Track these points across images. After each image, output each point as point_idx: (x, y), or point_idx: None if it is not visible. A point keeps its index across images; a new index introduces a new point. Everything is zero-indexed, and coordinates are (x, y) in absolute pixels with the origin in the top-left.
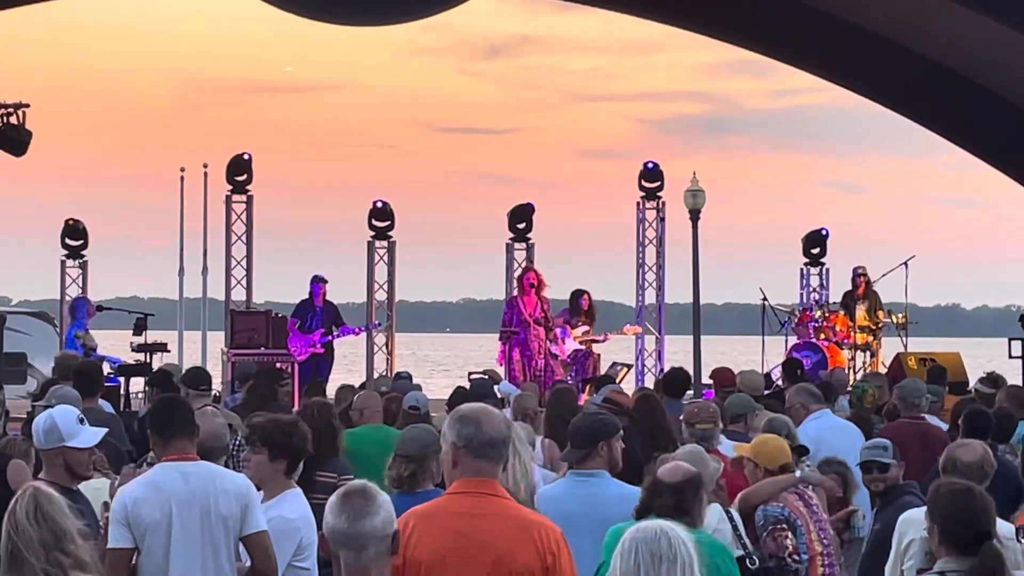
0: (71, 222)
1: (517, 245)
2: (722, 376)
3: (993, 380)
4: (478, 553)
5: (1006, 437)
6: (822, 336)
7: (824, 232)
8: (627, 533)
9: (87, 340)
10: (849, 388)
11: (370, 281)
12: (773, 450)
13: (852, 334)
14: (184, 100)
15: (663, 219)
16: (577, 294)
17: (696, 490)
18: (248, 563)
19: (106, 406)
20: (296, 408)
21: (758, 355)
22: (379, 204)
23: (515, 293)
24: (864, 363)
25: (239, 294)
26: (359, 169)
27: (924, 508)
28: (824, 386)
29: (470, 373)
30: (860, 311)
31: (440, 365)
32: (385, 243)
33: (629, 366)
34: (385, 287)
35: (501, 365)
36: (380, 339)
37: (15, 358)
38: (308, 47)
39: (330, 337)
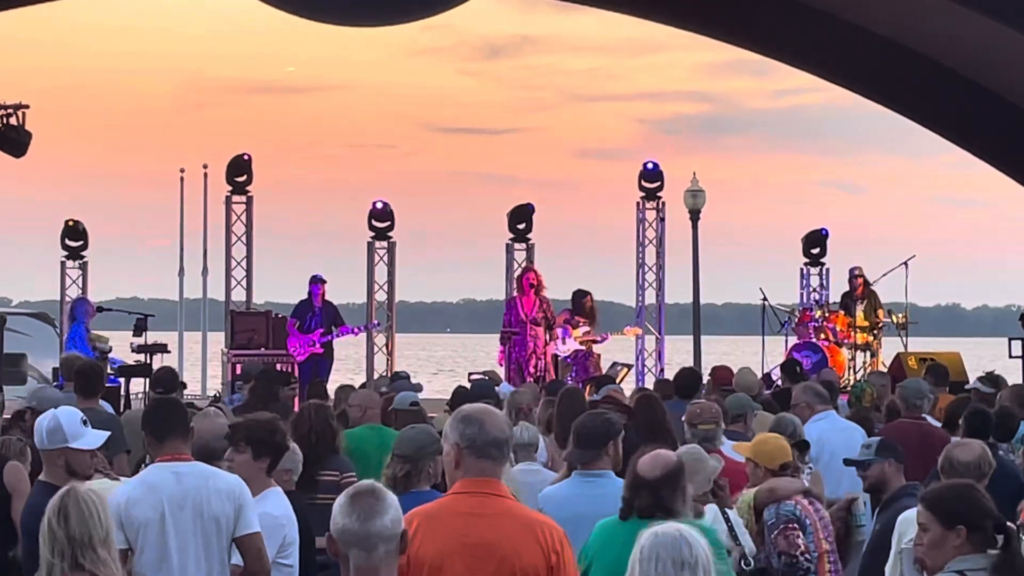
0: (71, 222)
1: (517, 245)
2: (721, 375)
3: (992, 380)
4: (482, 553)
5: (1008, 436)
6: (822, 336)
7: (824, 232)
8: (645, 538)
9: (100, 343)
10: (848, 387)
11: (370, 281)
12: (773, 449)
13: (852, 334)
14: (184, 100)
15: (663, 219)
16: (580, 294)
17: (675, 483)
18: (239, 563)
19: (106, 407)
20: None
21: (758, 355)
22: (379, 204)
23: (515, 294)
24: (864, 363)
25: (239, 295)
26: (359, 169)
27: None
28: (827, 385)
29: (470, 374)
30: (859, 311)
31: (442, 365)
32: (385, 243)
33: (629, 366)
34: (385, 287)
35: (501, 366)
36: (380, 339)
37: (15, 359)
38: (308, 47)
39: (329, 337)
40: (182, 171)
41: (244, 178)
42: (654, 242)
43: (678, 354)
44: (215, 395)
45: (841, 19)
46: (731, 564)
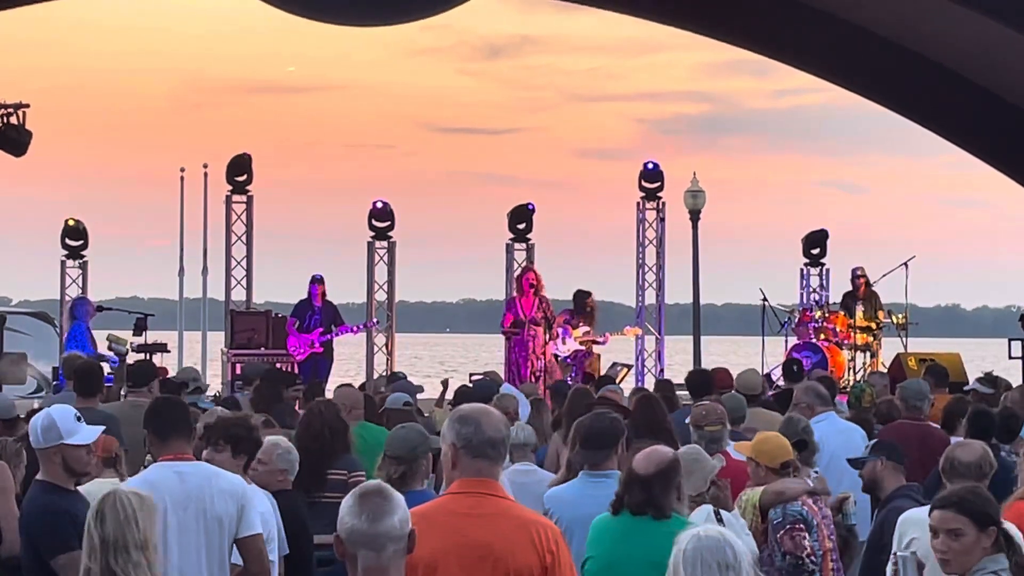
0: (71, 222)
1: (517, 245)
2: (721, 377)
3: (991, 380)
4: (478, 553)
5: (1011, 437)
6: (822, 336)
7: (824, 232)
8: (686, 541)
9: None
10: (848, 388)
11: (370, 281)
12: (774, 448)
13: (852, 334)
14: (184, 100)
15: (663, 219)
16: (582, 295)
17: (668, 481)
18: (237, 563)
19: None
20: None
21: (758, 355)
22: (379, 204)
23: (514, 294)
24: (864, 363)
25: (239, 294)
26: (359, 169)
27: (925, 508)
28: (828, 385)
29: (471, 375)
30: (859, 311)
31: (444, 365)
32: (385, 243)
33: (629, 366)
34: (385, 287)
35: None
36: (380, 339)
37: (15, 358)
38: (308, 47)
39: (329, 336)
40: (182, 171)
41: (244, 178)
42: (654, 242)
43: (678, 354)
44: (215, 394)
45: (841, 19)
46: None
